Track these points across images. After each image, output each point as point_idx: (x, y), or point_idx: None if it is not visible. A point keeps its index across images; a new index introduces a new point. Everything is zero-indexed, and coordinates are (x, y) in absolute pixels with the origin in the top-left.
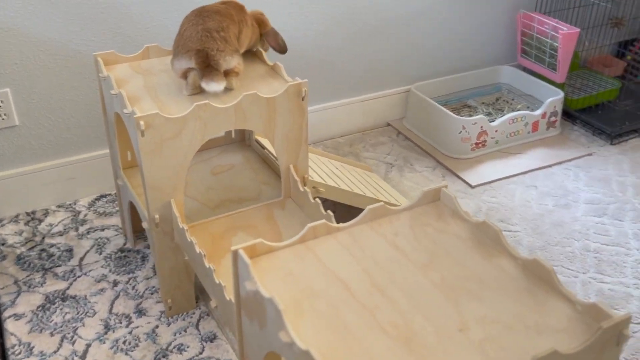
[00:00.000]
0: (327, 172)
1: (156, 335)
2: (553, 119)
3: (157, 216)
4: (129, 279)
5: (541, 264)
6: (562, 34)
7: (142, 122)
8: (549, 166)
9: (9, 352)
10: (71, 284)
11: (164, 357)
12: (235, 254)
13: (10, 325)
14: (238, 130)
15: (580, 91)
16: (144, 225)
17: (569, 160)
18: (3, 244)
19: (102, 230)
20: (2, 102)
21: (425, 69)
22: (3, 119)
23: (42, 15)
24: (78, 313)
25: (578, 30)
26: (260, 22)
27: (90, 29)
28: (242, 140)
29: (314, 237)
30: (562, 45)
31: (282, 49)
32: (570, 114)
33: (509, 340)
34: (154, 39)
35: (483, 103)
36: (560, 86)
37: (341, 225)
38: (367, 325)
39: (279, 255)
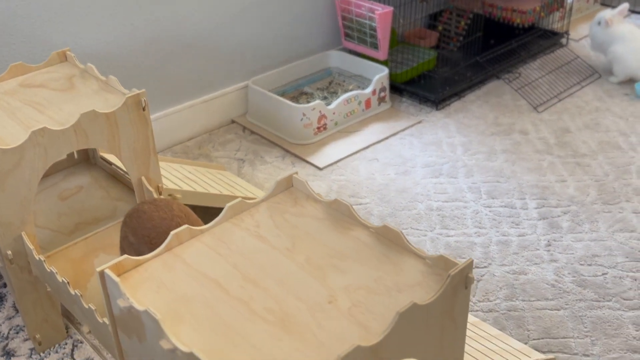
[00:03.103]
0: (181, 177)
1: None
2: (382, 94)
3: (9, 252)
4: None
5: (390, 229)
6: (378, 14)
7: None
8: (386, 138)
9: None
10: None
11: None
12: (102, 275)
13: None
14: (81, 150)
15: (403, 65)
16: None
17: (403, 130)
18: None
19: None
20: None
21: (261, 63)
22: None
23: None
24: None
25: (392, 8)
26: None
27: None
28: (87, 159)
29: (179, 244)
30: (380, 24)
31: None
32: (397, 88)
33: (374, 302)
34: None
35: (318, 89)
36: (384, 63)
37: (204, 227)
38: (244, 317)
39: (147, 268)
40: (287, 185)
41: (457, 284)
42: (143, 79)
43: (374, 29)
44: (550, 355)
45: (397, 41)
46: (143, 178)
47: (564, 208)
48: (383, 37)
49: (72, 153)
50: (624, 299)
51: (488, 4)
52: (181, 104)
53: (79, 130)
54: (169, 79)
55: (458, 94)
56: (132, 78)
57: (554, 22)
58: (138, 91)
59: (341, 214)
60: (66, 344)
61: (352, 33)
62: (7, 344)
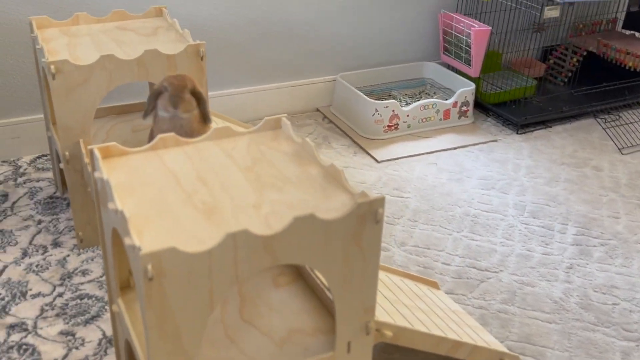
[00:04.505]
0: None
1: (65, 262)
2: (464, 108)
3: (67, 153)
4: (52, 219)
5: (335, 168)
6: (474, 31)
7: (52, 67)
8: (454, 148)
9: None
10: (1, 220)
11: (68, 277)
12: (91, 152)
13: None
14: None
15: (496, 87)
16: (61, 166)
17: (474, 145)
18: None
19: (37, 181)
20: None
21: (353, 60)
22: None
23: None
24: (2, 242)
25: (489, 28)
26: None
27: (33, 1)
28: None
29: (164, 147)
30: (475, 42)
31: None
32: (485, 107)
33: (289, 214)
34: (86, 9)
35: (406, 95)
36: (477, 81)
37: (189, 139)
38: (182, 203)
39: (130, 158)
40: (276, 126)
41: (364, 213)
42: (237, 53)
43: (469, 46)
44: (516, 355)
45: (501, 66)
46: None
47: (603, 240)
48: (476, 54)
49: None
50: (625, 330)
51: (603, 43)
52: (269, 84)
53: (140, 64)
54: (262, 58)
55: (546, 124)
56: (228, 50)
57: None
58: (199, 42)
59: (307, 153)
60: None
61: (450, 48)
62: (58, 237)
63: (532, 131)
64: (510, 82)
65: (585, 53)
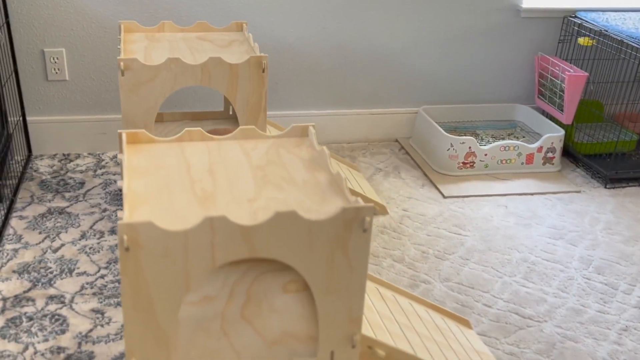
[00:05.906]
0: None
1: (116, 248)
2: (550, 155)
3: None
4: (116, 209)
5: (340, 176)
6: (569, 76)
7: (122, 64)
8: (530, 194)
9: (4, 237)
10: (72, 204)
11: (114, 262)
12: (120, 135)
13: (13, 221)
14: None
15: (591, 137)
16: None
17: (553, 193)
18: (35, 171)
19: (114, 175)
20: (57, 58)
21: (438, 95)
22: (57, 72)
23: None
24: (66, 223)
25: (585, 74)
26: None
27: (134, 9)
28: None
29: (190, 140)
30: (568, 87)
31: None
32: (575, 157)
33: (279, 209)
34: (176, 19)
35: (492, 136)
36: (569, 128)
37: (215, 137)
38: (184, 188)
39: (156, 145)
40: (302, 133)
41: (350, 220)
42: (321, 76)
43: (563, 91)
44: None
45: (603, 118)
46: None
47: None
48: (570, 100)
49: (229, 108)
50: None
51: None
52: (349, 109)
53: (204, 70)
54: (344, 84)
55: (639, 180)
56: (312, 73)
57: None
58: (262, 54)
59: (323, 161)
60: None
61: (545, 92)
62: (116, 226)
63: (624, 187)
64: (608, 134)
65: None
